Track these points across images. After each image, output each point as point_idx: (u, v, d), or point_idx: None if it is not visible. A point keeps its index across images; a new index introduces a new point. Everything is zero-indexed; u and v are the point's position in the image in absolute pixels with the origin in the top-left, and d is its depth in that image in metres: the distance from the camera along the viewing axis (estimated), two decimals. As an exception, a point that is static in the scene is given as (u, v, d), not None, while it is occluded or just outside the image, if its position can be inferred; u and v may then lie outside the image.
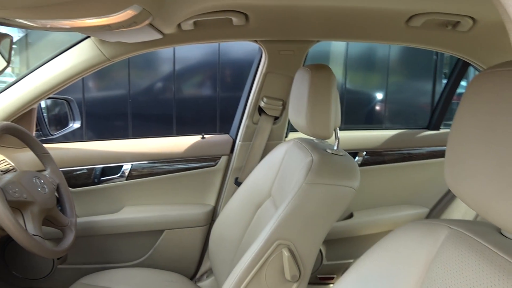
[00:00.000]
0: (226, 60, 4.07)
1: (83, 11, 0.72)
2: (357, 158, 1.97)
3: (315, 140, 1.45)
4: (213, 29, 1.48)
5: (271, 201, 1.42)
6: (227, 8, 1.29)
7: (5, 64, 1.00)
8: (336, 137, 1.36)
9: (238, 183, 1.78)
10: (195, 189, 1.85)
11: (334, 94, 1.28)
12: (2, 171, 1.55)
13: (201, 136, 1.86)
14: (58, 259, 1.75)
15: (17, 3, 0.66)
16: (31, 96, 1.54)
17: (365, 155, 1.97)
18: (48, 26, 0.91)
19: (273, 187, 1.43)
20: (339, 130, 1.37)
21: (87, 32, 1.24)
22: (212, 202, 1.85)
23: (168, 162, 1.81)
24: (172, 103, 4.11)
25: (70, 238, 1.40)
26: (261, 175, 1.50)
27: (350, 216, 2.00)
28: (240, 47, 4.02)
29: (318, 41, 1.69)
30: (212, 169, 1.83)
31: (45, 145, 1.78)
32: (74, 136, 3.95)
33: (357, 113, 4.56)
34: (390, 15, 1.39)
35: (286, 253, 1.11)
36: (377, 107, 4.58)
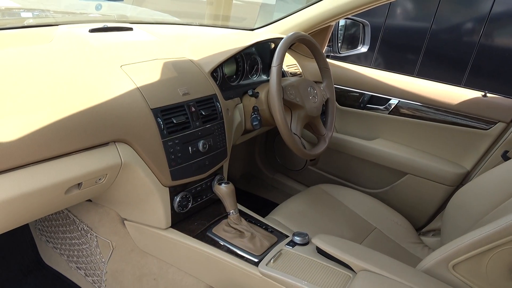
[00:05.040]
0: None
1: None
2: None
3: None
4: None
5: None
6: None
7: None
8: None
9: (506, 157, 1.55)
10: (455, 146, 1.71)
11: None
12: (291, 73, 1.83)
13: (483, 94, 1.66)
14: (311, 160, 2.02)
15: None
16: (330, 15, 1.70)
17: None
18: None
19: None
20: None
21: None
22: (468, 166, 1.69)
23: (437, 110, 1.72)
24: (473, 49, 3.68)
25: (321, 147, 1.58)
26: None
27: None
28: None
29: None
30: (482, 132, 1.64)
31: (329, 61, 1.97)
32: (366, 57, 4.12)
33: None
34: None
35: None
36: None
